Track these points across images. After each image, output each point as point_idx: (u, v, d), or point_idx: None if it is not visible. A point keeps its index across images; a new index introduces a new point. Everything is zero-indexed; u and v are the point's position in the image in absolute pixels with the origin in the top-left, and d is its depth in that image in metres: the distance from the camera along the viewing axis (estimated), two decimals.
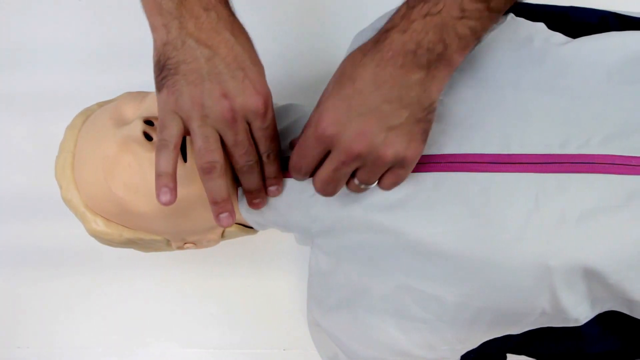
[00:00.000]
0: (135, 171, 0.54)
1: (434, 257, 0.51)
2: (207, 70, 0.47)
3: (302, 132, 0.50)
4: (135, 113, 0.58)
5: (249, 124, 0.51)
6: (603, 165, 0.50)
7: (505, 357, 0.61)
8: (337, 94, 0.47)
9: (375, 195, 0.53)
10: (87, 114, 0.62)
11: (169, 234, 0.61)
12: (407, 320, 0.53)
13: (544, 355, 0.58)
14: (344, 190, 0.54)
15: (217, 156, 0.49)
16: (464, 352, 0.56)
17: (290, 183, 0.57)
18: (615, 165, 0.50)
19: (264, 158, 0.54)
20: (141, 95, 0.59)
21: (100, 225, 0.60)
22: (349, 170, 0.48)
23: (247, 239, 0.73)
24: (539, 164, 0.51)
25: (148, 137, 0.53)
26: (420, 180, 0.53)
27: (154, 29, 0.48)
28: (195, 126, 0.48)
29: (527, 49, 0.57)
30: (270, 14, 0.83)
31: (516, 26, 0.59)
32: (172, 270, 0.78)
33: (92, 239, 0.63)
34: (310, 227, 0.57)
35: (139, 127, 0.52)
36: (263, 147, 0.53)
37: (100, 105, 0.64)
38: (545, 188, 0.50)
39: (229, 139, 0.50)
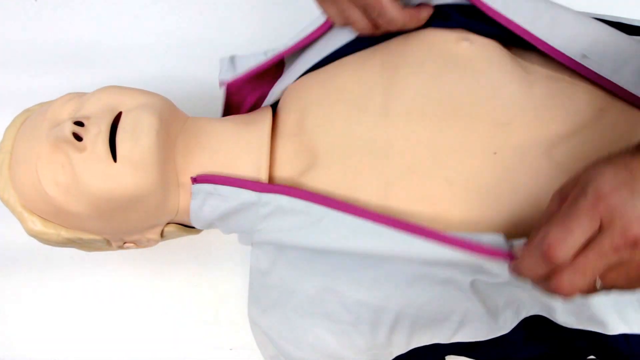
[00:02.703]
0: (67, 171, 0.55)
1: (360, 258, 0.52)
2: None
3: (560, 199, 0.42)
4: (70, 114, 0.58)
5: None
6: None
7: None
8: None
9: None
10: (27, 115, 0.63)
11: (106, 234, 0.61)
12: (334, 323, 0.53)
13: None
14: None
15: None
16: (392, 357, 0.56)
17: None
18: None
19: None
20: (78, 96, 0.60)
21: (37, 225, 0.60)
22: (613, 260, 0.38)
23: (193, 238, 0.73)
24: None
25: (78, 137, 0.53)
26: None
27: None
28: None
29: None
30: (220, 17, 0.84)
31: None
32: (118, 270, 0.78)
33: (32, 239, 0.63)
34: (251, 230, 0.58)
35: (68, 128, 0.53)
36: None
37: (41, 105, 0.64)
38: None
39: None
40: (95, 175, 0.53)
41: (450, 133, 0.54)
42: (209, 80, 0.82)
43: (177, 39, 0.83)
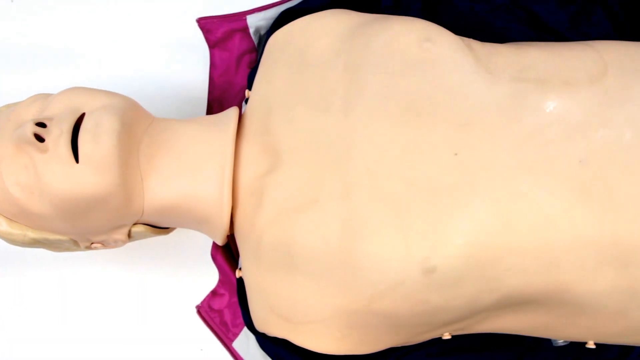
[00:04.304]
0: (30, 172, 0.55)
1: None
2: None
3: None
4: (34, 115, 0.58)
5: None
6: None
7: None
8: None
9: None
10: None
11: (72, 234, 0.61)
12: None
13: None
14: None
15: None
16: None
17: None
18: None
19: None
20: (43, 97, 0.60)
21: (3, 225, 0.60)
22: None
23: (163, 238, 0.73)
24: None
25: (40, 138, 0.54)
26: None
27: None
28: None
29: None
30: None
31: None
32: (86, 271, 0.78)
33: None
34: None
35: (29, 129, 0.53)
36: None
37: (8, 107, 0.65)
38: None
39: None
40: (57, 176, 0.54)
41: (412, 134, 0.55)
42: (184, 81, 0.82)
43: (153, 40, 0.83)
